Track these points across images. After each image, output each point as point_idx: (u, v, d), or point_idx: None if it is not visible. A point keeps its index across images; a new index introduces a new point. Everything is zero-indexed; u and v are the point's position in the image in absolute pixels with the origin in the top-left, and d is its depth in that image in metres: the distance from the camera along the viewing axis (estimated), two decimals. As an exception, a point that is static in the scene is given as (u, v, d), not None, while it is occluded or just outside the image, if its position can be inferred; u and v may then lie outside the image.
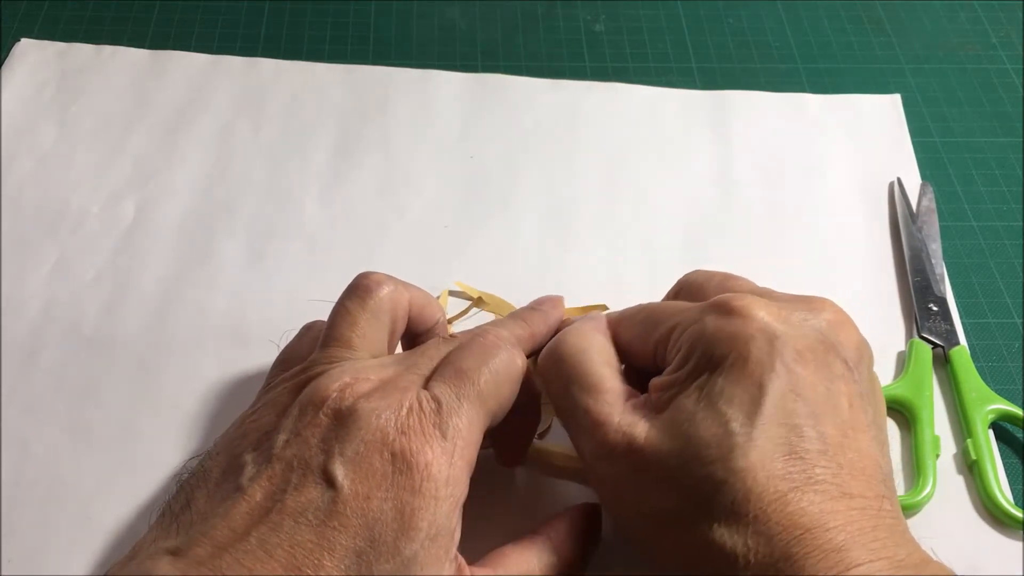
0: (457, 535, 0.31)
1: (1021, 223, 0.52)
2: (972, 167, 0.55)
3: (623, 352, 0.38)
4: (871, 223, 0.51)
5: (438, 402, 0.32)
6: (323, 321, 0.38)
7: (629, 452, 0.33)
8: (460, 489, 0.31)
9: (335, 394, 0.31)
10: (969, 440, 0.41)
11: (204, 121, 0.54)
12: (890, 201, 0.52)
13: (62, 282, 0.46)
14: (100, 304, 0.45)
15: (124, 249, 0.48)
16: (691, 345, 0.34)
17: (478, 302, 0.46)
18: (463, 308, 0.46)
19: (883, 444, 0.34)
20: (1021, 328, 0.47)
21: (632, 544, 0.34)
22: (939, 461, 0.41)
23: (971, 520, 0.40)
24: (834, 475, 0.30)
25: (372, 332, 0.36)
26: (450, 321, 0.45)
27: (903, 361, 0.45)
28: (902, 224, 0.50)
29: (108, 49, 0.58)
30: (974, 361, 0.44)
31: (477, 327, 0.38)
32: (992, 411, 0.42)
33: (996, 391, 0.43)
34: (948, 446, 0.42)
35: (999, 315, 0.48)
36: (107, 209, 0.50)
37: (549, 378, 0.37)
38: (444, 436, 0.31)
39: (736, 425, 0.31)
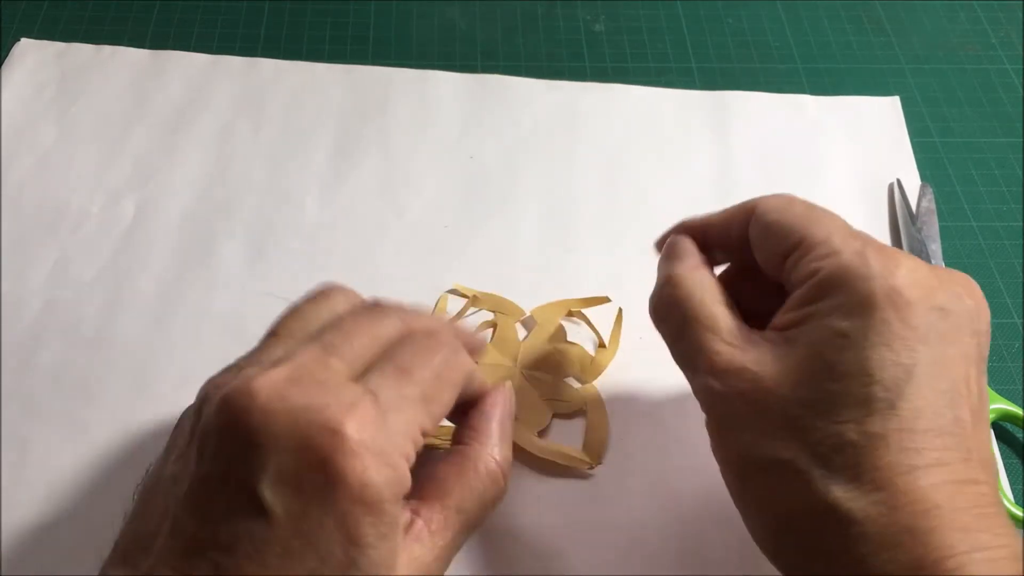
0: (401, 510, 0.29)
1: (1021, 223, 0.52)
2: (972, 167, 0.55)
3: (750, 238, 0.36)
4: (871, 224, 0.51)
5: (376, 397, 0.29)
6: None
7: (752, 391, 0.31)
8: (402, 487, 0.29)
9: (238, 388, 0.28)
10: (969, 440, 0.41)
11: (204, 121, 0.54)
12: (890, 202, 0.52)
13: (62, 282, 0.46)
14: (100, 304, 0.45)
15: (124, 249, 0.48)
16: (839, 277, 0.31)
17: (473, 301, 0.46)
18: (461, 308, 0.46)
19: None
20: (1021, 328, 0.47)
21: (731, 488, 0.33)
22: (939, 461, 0.41)
23: (971, 520, 0.40)
24: (963, 459, 0.29)
25: (316, 326, 0.33)
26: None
27: (903, 361, 0.45)
28: (902, 225, 0.50)
29: (108, 49, 0.58)
30: (974, 361, 0.44)
31: (409, 314, 0.35)
32: (993, 411, 0.43)
33: (996, 391, 0.43)
34: (948, 446, 0.42)
35: (999, 315, 0.48)
36: (107, 209, 0.50)
37: (662, 322, 0.36)
38: (381, 435, 0.28)
39: (880, 389, 0.29)
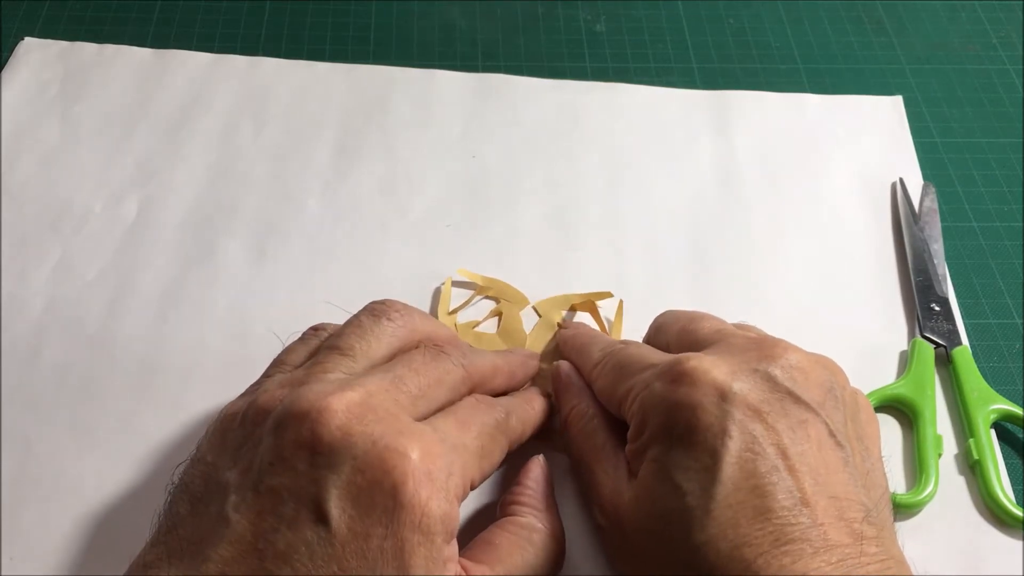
0: (453, 554, 0.30)
1: (1021, 223, 0.52)
2: (972, 167, 0.55)
3: (598, 398, 0.38)
4: (873, 223, 0.51)
5: (442, 435, 0.31)
6: (333, 325, 0.37)
7: (617, 523, 0.33)
8: (454, 526, 0.30)
9: (315, 404, 0.30)
10: (971, 440, 0.42)
11: (206, 120, 0.54)
12: (892, 201, 0.52)
13: (64, 280, 0.46)
14: (102, 303, 0.45)
15: (126, 248, 0.48)
16: (643, 413, 0.33)
17: (481, 289, 0.47)
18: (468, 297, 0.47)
19: (868, 473, 0.33)
20: (1022, 329, 0.47)
21: None
22: (941, 460, 0.41)
23: (972, 519, 0.40)
24: (807, 529, 0.29)
25: (378, 351, 0.35)
26: (454, 311, 0.46)
27: (905, 360, 0.45)
28: (904, 224, 0.50)
29: (111, 48, 0.58)
30: (975, 361, 0.44)
31: (468, 356, 0.37)
32: (994, 411, 0.43)
33: (997, 391, 0.43)
34: (950, 446, 0.42)
35: (1000, 316, 0.48)
36: (109, 208, 0.50)
37: (570, 458, 0.38)
38: (445, 472, 0.30)
39: (692, 499, 0.30)
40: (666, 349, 0.38)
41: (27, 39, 0.58)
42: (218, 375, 0.43)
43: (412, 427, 0.30)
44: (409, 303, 0.37)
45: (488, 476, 0.35)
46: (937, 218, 0.51)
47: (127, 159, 0.52)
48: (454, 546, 0.31)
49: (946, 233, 0.51)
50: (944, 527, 0.40)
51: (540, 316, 0.46)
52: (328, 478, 0.28)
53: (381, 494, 0.28)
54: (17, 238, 0.48)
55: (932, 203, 0.51)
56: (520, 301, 0.46)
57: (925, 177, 0.53)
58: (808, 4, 0.65)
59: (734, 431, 0.31)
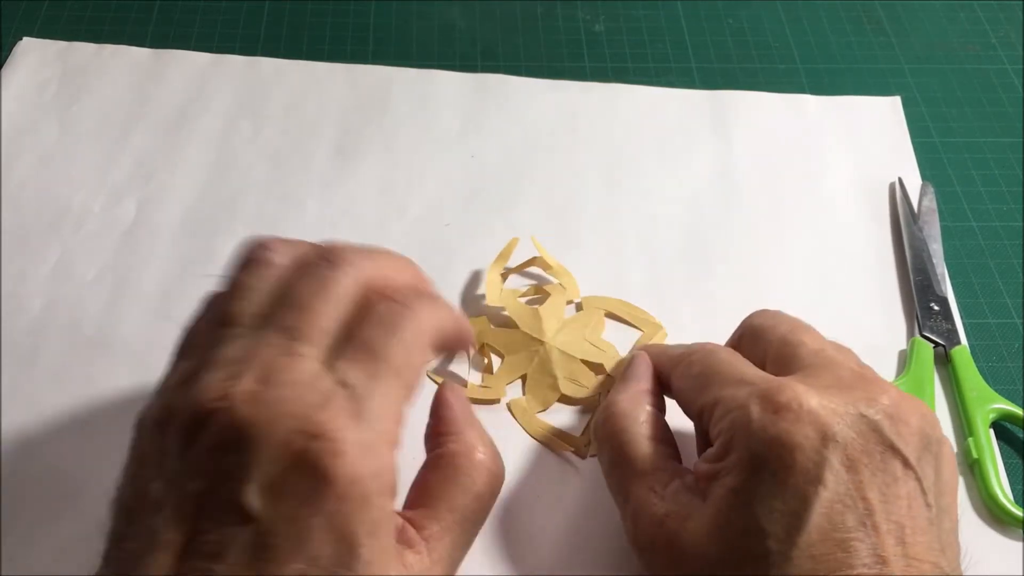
0: (393, 508, 0.29)
1: (1021, 223, 0.52)
2: (972, 167, 0.55)
3: (674, 397, 0.37)
4: (872, 223, 0.51)
5: (349, 388, 0.29)
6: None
7: (669, 547, 0.32)
8: (390, 476, 0.28)
9: (212, 401, 0.27)
10: (970, 439, 0.42)
11: (205, 120, 0.54)
12: (891, 201, 0.52)
13: (63, 281, 0.46)
14: (101, 303, 0.45)
15: (125, 248, 0.48)
16: (732, 434, 0.31)
17: (539, 262, 0.47)
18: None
19: (947, 533, 0.31)
20: (1021, 328, 0.48)
21: None
22: (940, 460, 0.41)
23: (971, 519, 0.40)
24: None
25: (262, 302, 0.31)
26: (509, 272, 0.47)
27: (905, 359, 0.45)
28: (903, 224, 0.50)
29: (110, 48, 0.58)
30: (974, 361, 0.44)
31: (360, 260, 0.33)
32: (993, 410, 0.43)
33: (997, 391, 0.43)
34: (949, 445, 0.42)
35: (999, 315, 0.48)
36: (108, 208, 0.49)
37: (599, 449, 0.37)
38: (362, 426, 0.28)
39: (773, 542, 0.29)
40: (762, 356, 0.36)
41: (26, 39, 0.58)
42: (217, 375, 0.43)
43: (318, 392, 0.28)
44: (352, 245, 0.34)
45: (418, 380, 0.31)
46: (936, 218, 0.51)
47: (126, 159, 0.52)
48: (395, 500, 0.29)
49: (945, 233, 0.51)
50: (943, 527, 0.40)
51: (514, 316, 0.45)
52: (242, 473, 0.27)
53: (302, 474, 0.27)
54: (16, 238, 0.48)
55: (931, 203, 0.51)
56: (573, 290, 0.47)
57: (924, 177, 0.53)
58: (807, 4, 0.65)
59: (829, 479, 0.29)
